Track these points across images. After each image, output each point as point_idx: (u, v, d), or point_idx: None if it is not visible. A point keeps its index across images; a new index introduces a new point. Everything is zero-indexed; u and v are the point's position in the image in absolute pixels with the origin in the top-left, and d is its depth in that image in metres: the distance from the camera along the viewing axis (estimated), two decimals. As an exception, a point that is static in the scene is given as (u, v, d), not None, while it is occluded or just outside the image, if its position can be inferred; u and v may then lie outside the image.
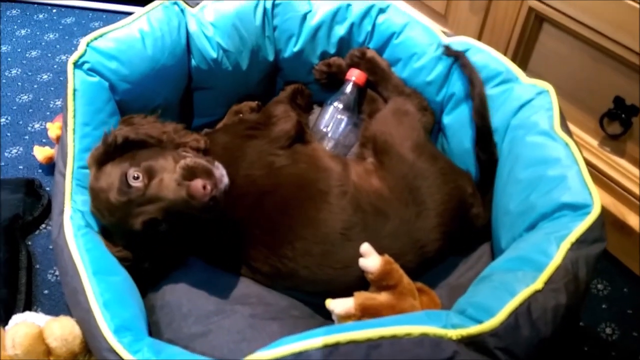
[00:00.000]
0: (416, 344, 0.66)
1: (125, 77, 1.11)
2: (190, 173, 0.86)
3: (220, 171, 0.92)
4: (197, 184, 0.84)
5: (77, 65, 1.06)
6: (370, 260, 0.92)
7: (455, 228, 1.01)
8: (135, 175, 0.88)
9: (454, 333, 0.67)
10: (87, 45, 1.08)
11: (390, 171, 1.04)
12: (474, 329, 0.67)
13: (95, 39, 1.10)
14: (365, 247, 0.93)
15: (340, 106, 1.25)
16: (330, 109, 1.26)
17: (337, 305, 0.90)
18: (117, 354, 0.77)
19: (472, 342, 0.67)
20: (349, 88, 1.26)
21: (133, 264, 0.94)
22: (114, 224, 0.92)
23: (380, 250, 0.94)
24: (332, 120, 1.25)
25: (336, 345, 0.66)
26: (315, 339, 0.67)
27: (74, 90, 1.03)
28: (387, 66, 1.25)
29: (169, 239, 0.94)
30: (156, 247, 0.95)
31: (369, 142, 1.14)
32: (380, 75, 1.25)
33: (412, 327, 0.67)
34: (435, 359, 0.65)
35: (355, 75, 1.25)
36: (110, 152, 0.94)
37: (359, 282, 0.94)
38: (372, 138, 1.12)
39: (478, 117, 1.06)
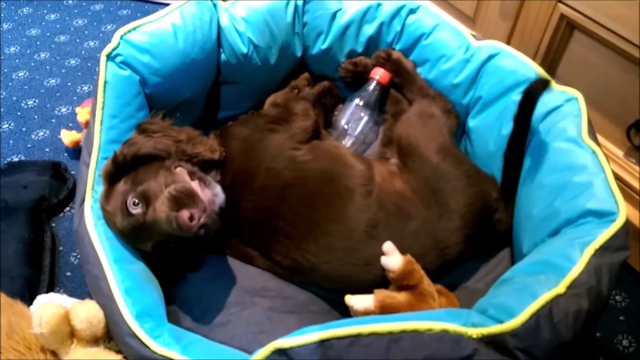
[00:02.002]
0: (437, 339, 0.68)
1: (157, 70, 1.13)
2: (176, 203, 0.86)
3: (213, 191, 0.92)
4: (184, 215, 0.83)
5: (109, 57, 1.08)
6: (392, 259, 0.94)
7: (478, 232, 1.02)
8: (135, 202, 0.89)
9: (474, 331, 0.69)
10: (121, 38, 1.10)
11: (414, 173, 1.06)
12: (494, 329, 0.69)
13: (129, 31, 1.12)
14: (388, 246, 0.95)
15: (362, 103, 1.28)
16: (352, 106, 1.28)
17: (357, 302, 0.92)
18: (138, 339, 0.80)
19: (492, 341, 0.69)
20: (372, 86, 1.28)
21: (151, 267, 0.97)
22: (128, 243, 0.95)
23: (401, 250, 0.95)
24: (352, 117, 1.28)
25: (358, 336, 0.68)
26: (338, 329, 0.69)
27: (105, 82, 1.06)
28: (412, 68, 1.27)
29: (182, 249, 0.96)
30: (171, 257, 0.98)
31: (394, 143, 1.15)
32: (405, 77, 1.27)
33: (434, 322, 0.69)
34: (455, 356, 0.67)
35: (379, 74, 1.27)
36: (120, 171, 0.95)
37: (379, 280, 0.96)
38: (397, 139, 1.13)
39: (520, 119, 1.05)
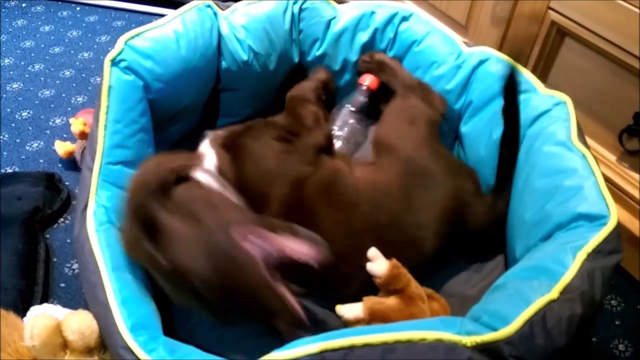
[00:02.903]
0: (431, 349, 0.67)
1: (159, 76, 1.14)
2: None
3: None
4: None
5: (114, 62, 1.08)
6: (378, 264, 0.93)
7: (452, 227, 1.01)
8: None
9: (468, 340, 0.68)
10: (125, 43, 1.11)
11: (388, 168, 1.05)
12: (488, 337, 0.68)
13: (133, 37, 1.13)
14: (373, 252, 0.95)
15: (352, 109, 1.30)
16: (342, 112, 1.31)
17: (347, 311, 0.92)
18: (132, 352, 0.78)
19: (486, 349, 0.68)
20: (361, 92, 1.31)
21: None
22: None
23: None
24: (342, 121, 1.30)
25: (351, 348, 0.67)
26: (331, 341, 0.68)
27: (109, 87, 1.06)
28: (396, 64, 1.29)
29: None
30: None
31: (375, 142, 1.15)
32: (389, 72, 1.29)
33: (427, 332, 0.68)
34: None
35: (368, 80, 1.30)
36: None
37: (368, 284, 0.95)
38: (375, 137, 1.14)
39: (507, 111, 1.05)
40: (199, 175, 0.92)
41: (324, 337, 0.70)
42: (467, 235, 1.06)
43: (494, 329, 0.70)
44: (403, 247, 0.98)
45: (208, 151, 1.01)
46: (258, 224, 0.82)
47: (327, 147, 1.11)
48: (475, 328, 0.71)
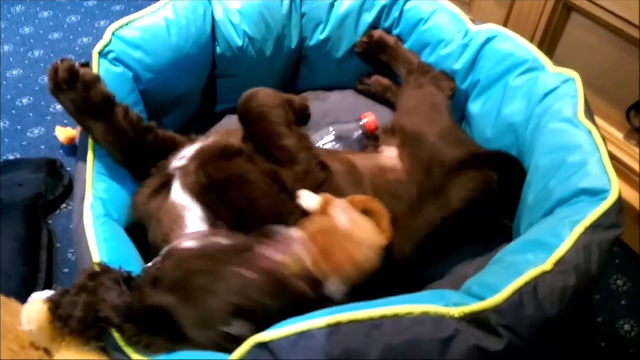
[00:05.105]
0: (417, 322, 0.68)
1: (149, 66, 1.15)
2: None
3: None
4: None
5: (102, 54, 1.09)
6: (308, 200, 0.92)
7: (476, 209, 1.01)
8: None
9: (456, 311, 0.69)
10: (113, 34, 1.12)
11: (413, 157, 1.06)
12: (476, 306, 0.70)
13: (121, 27, 1.13)
14: (303, 193, 0.93)
15: (334, 134, 1.25)
16: (327, 136, 1.26)
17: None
18: (124, 352, 0.77)
19: (474, 320, 0.69)
20: (354, 125, 1.27)
21: None
22: None
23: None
24: (323, 141, 1.25)
25: (338, 325, 0.68)
26: (318, 319, 0.69)
27: None
28: (395, 42, 1.30)
29: None
30: None
31: (396, 132, 1.14)
32: (390, 53, 1.30)
33: (414, 306, 0.69)
34: (437, 337, 0.67)
35: (367, 119, 1.25)
36: None
37: None
38: (401, 126, 1.13)
39: None
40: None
41: (310, 316, 0.71)
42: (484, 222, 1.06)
43: (483, 299, 0.71)
44: (426, 230, 0.99)
45: (186, 202, 0.91)
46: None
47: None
48: (463, 299, 0.72)
